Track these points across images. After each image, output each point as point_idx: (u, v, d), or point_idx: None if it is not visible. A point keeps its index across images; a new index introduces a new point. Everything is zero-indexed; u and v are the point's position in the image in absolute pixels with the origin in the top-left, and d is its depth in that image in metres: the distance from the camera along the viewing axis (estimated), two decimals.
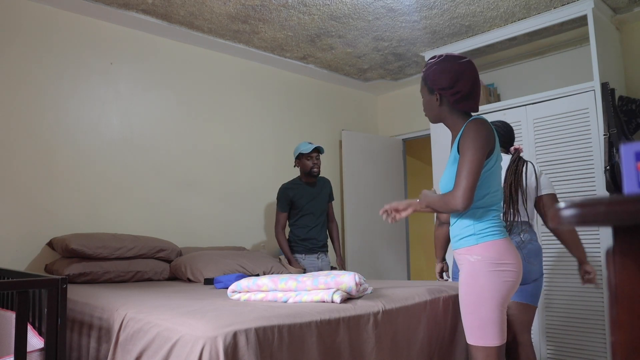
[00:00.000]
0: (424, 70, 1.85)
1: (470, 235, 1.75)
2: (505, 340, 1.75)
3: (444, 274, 2.65)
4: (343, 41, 3.92)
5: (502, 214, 1.84)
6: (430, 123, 1.96)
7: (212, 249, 3.51)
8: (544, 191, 2.38)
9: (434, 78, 1.79)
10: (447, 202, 1.70)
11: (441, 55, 1.82)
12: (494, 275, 1.70)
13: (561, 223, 0.55)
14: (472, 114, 1.85)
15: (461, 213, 1.78)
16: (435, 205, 1.78)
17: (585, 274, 2.31)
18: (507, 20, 3.60)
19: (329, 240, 3.68)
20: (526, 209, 2.35)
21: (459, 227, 1.80)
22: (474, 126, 1.71)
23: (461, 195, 1.65)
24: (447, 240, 2.50)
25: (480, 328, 1.72)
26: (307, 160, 3.45)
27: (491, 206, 1.77)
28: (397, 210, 1.82)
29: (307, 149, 3.44)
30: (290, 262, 3.36)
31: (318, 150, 3.48)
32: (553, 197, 2.38)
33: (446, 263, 2.64)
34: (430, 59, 1.85)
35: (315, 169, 3.46)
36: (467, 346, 1.85)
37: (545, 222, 2.44)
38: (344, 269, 3.44)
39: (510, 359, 2.32)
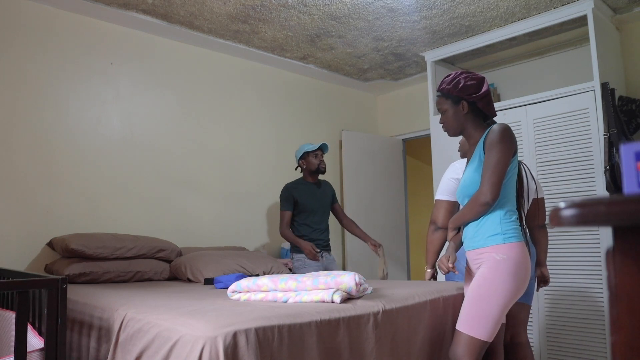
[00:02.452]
0: (442, 88, 1.97)
1: (497, 234, 1.81)
2: (491, 340, 1.80)
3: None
4: (343, 41, 3.92)
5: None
6: (443, 130, 2.07)
7: (212, 249, 3.51)
8: (540, 194, 2.44)
9: (461, 87, 1.91)
10: (476, 199, 1.81)
11: (456, 72, 1.98)
12: (514, 276, 1.76)
13: (561, 223, 0.55)
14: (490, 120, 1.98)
15: (488, 212, 1.84)
16: (464, 215, 1.88)
17: (542, 277, 2.45)
18: (507, 20, 3.60)
19: (330, 240, 3.68)
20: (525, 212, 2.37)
21: (484, 226, 1.84)
22: (500, 128, 1.84)
23: (489, 189, 1.76)
24: (442, 246, 2.49)
25: (478, 319, 1.78)
26: (314, 158, 3.49)
27: (513, 207, 1.87)
28: (445, 263, 1.95)
29: (312, 147, 3.50)
30: (304, 249, 3.32)
31: (322, 149, 3.53)
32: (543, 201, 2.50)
33: (436, 269, 2.62)
34: (445, 77, 1.99)
35: (323, 166, 3.51)
36: (454, 332, 1.88)
37: (533, 222, 2.44)
38: (379, 248, 3.38)
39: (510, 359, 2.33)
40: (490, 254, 1.81)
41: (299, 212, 3.45)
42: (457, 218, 1.94)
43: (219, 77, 4.04)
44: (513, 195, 1.89)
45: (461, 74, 1.96)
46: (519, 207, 2.30)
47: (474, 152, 1.92)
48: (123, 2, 3.19)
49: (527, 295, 2.33)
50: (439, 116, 2.11)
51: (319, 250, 3.37)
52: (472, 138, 1.96)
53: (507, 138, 1.81)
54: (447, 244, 2.20)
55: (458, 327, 1.85)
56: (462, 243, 2.00)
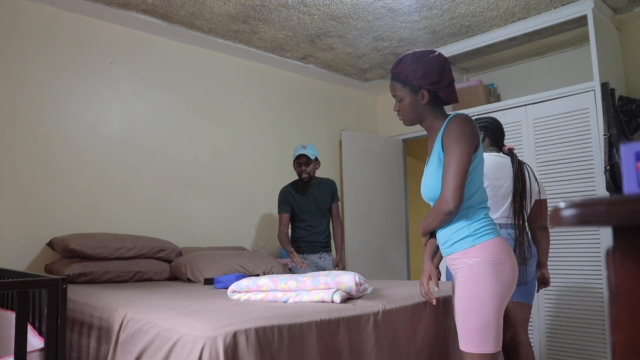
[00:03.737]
0: (398, 72, 1.77)
1: (466, 237, 1.68)
2: (500, 348, 1.68)
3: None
4: (343, 41, 3.92)
5: (489, 213, 1.80)
6: (399, 118, 1.84)
7: (212, 249, 3.51)
8: (542, 195, 2.41)
9: (421, 74, 1.71)
10: (439, 208, 1.66)
11: (414, 52, 1.77)
12: (494, 276, 1.64)
13: (561, 223, 0.55)
14: (450, 113, 1.80)
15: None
16: (429, 223, 1.75)
17: (542, 278, 2.43)
18: (507, 20, 3.60)
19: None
20: (526, 212, 2.35)
21: (451, 231, 1.72)
22: (458, 122, 1.66)
23: (451, 195, 1.61)
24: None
25: (479, 333, 1.64)
26: (297, 166, 3.40)
27: (481, 204, 1.72)
28: (425, 292, 1.90)
29: (295, 153, 3.39)
30: (292, 258, 3.29)
31: (306, 156, 3.35)
32: (546, 202, 2.46)
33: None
34: (401, 58, 1.77)
35: (304, 175, 3.35)
36: (460, 354, 1.75)
37: (535, 223, 2.42)
38: (343, 269, 3.38)
39: (510, 359, 2.33)
40: (462, 260, 1.69)
41: (295, 215, 3.43)
42: (423, 225, 1.80)
43: (219, 77, 4.04)
44: (481, 191, 1.74)
45: (420, 57, 1.73)
46: (522, 208, 2.29)
47: (433, 146, 1.75)
48: (123, 2, 3.19)
49: (528, 295, 2.32)
50: None
51: (303, 262, 3.29)
52: (432, 129, 1.77)
53: (467, 132, 1.63)
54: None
55: (462, 347, 1.70)
56: (438, 248, 1.89)
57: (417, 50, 1.79)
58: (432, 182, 1.72)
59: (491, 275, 1.63)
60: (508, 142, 3.48)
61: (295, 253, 3.30)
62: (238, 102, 4.13)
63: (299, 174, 3.39)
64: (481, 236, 1.66)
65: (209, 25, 3.58)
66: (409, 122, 1.81)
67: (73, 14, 3.27)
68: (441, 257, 1.96)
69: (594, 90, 3.21)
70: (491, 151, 2.42)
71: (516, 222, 2.27)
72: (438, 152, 1.70)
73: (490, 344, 1.64)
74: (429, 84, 1.72)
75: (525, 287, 2.28)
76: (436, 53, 1.75)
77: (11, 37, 3.01)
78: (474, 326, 1.65)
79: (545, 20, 3.48)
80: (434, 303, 1.93)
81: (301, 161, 3.37)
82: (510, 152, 2.39)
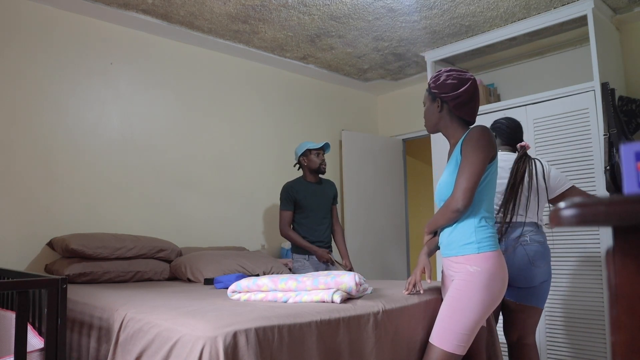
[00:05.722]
0: (429, 81, 1.95)
1: (471, 243, 1.76)
2: (464, 354, 1.77)
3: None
4: (343, 41, 3.92)
5: (496, 217, 1.87)
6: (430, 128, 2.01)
7: (212, 249, 3.51)
8: (566, 186, 2.35)
9: (438, 84, 1.88)
10: (448, 205, 1.77)
11: (447, 67, 1.95)
12: (489, 288, 1.74)
13: (561, 223, 0.55)
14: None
15: (461, 218, 1.80)
16: (437, 221, 1.86)
17: None
18: (507, 20, 3.60)
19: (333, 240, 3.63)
20: (530, 209, 2.30)
21: (457, 234, 1.80)
22: (478, 132, 1.79)
23: (461, 195, 1.72)
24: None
25: (454, 334, 1.75)
26: (315, 156, 3.41)
27: (490, 214, 1.83)
28: (416, 281, 1.98)
29: (316, 145, 3.41)
30: (317, 254, 3.27)
31: (324, 148, 3.46)
32: (574, 189, 2.38)
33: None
34: (437, 72, 1.95)
35: (324, 166, 3.43)
36: (428, 345, 1.84)
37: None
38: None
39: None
40: (463, 265, 1.77)
41: (299, 212, 3.42)
42: (431, 223, 1.91)
43: (219, 77, 4.04)
44: (491, 201, 1.84)
45: (448, 70, 1.90)
46: (514, 202, 2.27)
47: (452, 152, 1.88)
48: (123, 2, 3.19)
49: (538, 299, 2.27)
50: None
51: (330, 251, 3.33)
52: (453, 138, 1.91)
53: (485, 142, 1.76)
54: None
55: (431, 340, 1.82)
56: (437, 248, 1.98)
57: (456, 68, 1.97)
58: (446, 182, 1.84)
59: (485, 286, 1.73)
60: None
61: (324, 252, 3.28)
62: (238, 102, 4.13)
63: (319, 164, 3.41)
64: (485, 245, 1.75)
65: (209, 25, 3.58)
66: (429, 128, 1.98)
67: (73, 14, 3.27)
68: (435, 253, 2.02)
69: (594, 90, 3.21)
70: (502, 150, 2.43)
71: (505, 219, 2.25)
72: (456, 158, 1.81)
73: (458, 347, 1.75)
74: (441, 93, 1.87)
75: (535, 291, 2.25)
76: (465, 74, 1.88)
77: (11, 37, 3.01)
78: (451, 325, 1.76)
79: (545, 20, 3.48)
80: (422, 292, 2.02)
81: (321, 151, 3.43)
82: (521, 148, 2.36)
